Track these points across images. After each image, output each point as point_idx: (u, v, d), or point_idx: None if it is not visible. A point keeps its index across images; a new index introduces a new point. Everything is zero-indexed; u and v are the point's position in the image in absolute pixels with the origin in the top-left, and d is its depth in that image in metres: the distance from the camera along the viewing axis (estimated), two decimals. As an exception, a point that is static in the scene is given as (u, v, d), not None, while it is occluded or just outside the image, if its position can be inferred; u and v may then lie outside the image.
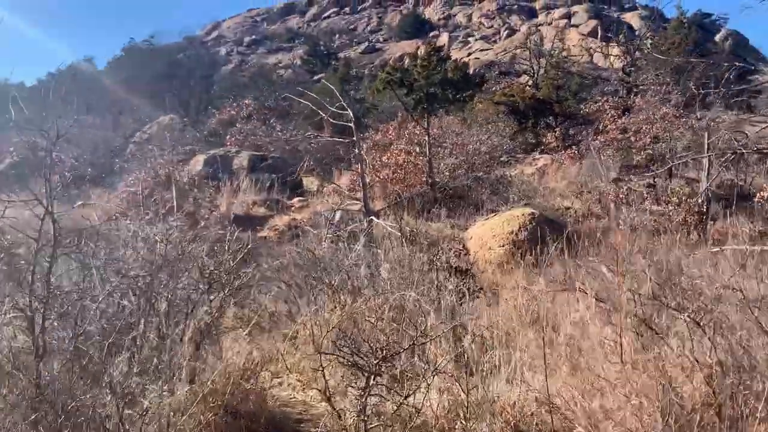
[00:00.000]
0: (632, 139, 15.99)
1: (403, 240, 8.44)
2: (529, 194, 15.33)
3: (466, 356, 4.88)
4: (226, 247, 5.99)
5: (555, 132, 29.32)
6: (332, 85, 36.72)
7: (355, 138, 10.55)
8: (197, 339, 4.63)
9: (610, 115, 23.59)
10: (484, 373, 4.65)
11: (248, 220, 15.51)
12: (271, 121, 26.52)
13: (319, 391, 4.11)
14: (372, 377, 3.93)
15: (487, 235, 11.38)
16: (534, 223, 11.23)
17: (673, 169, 14.25)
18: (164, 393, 3.38)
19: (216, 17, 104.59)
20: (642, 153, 15.11)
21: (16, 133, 26.69)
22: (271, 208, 16.49)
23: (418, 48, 18.54)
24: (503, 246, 11.05)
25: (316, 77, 56.01)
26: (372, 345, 4.00)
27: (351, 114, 10.73)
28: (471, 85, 18.78)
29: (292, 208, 16.87)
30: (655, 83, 22.12)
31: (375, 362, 3.95)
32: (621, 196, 12.79)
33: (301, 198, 17.79)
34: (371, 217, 9.58)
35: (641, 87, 24.45)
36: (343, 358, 4.04)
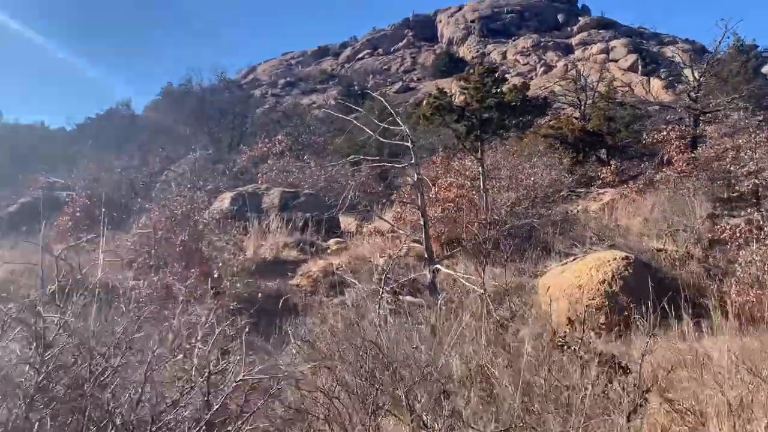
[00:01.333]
0: (731, 168, 13.66)
1: (488, 300, 6.31)
2: (607, 234, 13.08)
3: None
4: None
5: (610, 165, 27.19)
6: (368, 121, 35.26)
7: (413, 160, 8.40)
8: None
9: (675, 145, 21.33)
10: None
11: (278, 265, 13.57)
12: (305, 157, 24.86)
13: None
14: None
15: (571, 285, 9.12)
16: (631, 270, 8.96)
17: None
18: None
19: (251, 62, 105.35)
20: (747, 182, 12.78)
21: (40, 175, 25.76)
22: (304, 251, 14.49)
23: (470, 70, 16.88)
24: (593, 299, 8.80)
25: (350, 116, 55.06)
26: None
27: (407, 130, 8.66)
28: (532, 109, 16.68)
29: (329, 251, 14.86)
30: (728, 108, 19.80)
31: None
32: (739, 234, 10.45)
33: (338, 239, 15.76)
34: (436, 266, 7.43)
35: (709, 114, 22.15)
36: None
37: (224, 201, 17.56)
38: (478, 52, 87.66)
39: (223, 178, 22.26)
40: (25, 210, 19.75)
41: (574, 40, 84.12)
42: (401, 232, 12.45)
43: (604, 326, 8.22)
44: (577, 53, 79.57)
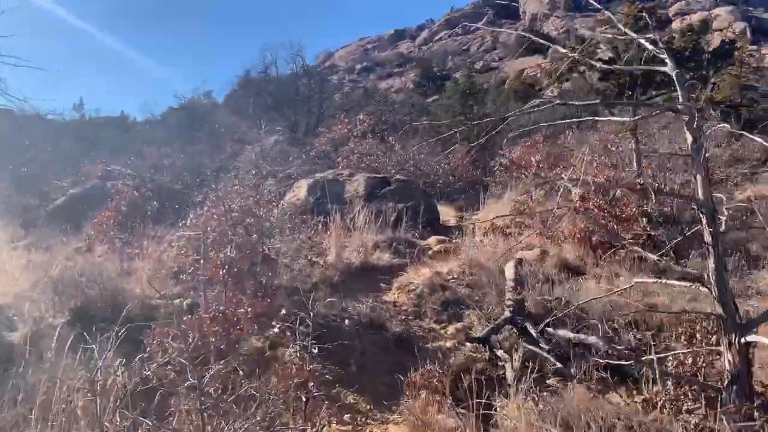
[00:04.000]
0: None
1: None
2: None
3: None
4: None
5: None
6: (453, 100, 31.72)
7: (681, 100, 4.93)
8: None
9: None
10: None
11: (366, 273, 10.40)
12: (390, 138, 21.77)
13: None
14: None
15: None
16: None
17: None
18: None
19: (327, 48, 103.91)
20: None
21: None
22: (400, 254, 11.26)
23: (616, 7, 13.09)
24: None
25: (429, 99, 52.52)
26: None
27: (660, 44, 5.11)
28: (711, 59, 12.68)
29: (430, 253, 11.58)
30: None
31: None
32: None
33: (440, 237, 12.47)
34: (751, 338, 3.75)
35: None
36: None
37: (300, 190, 14.60)
38: (563, 28, 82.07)
39: (298, 163, 19.50)
40: (74, 203, 17.60)
41: (670, 11, 77.21)
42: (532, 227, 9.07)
43: None
44: (674, 26, 72.81)
